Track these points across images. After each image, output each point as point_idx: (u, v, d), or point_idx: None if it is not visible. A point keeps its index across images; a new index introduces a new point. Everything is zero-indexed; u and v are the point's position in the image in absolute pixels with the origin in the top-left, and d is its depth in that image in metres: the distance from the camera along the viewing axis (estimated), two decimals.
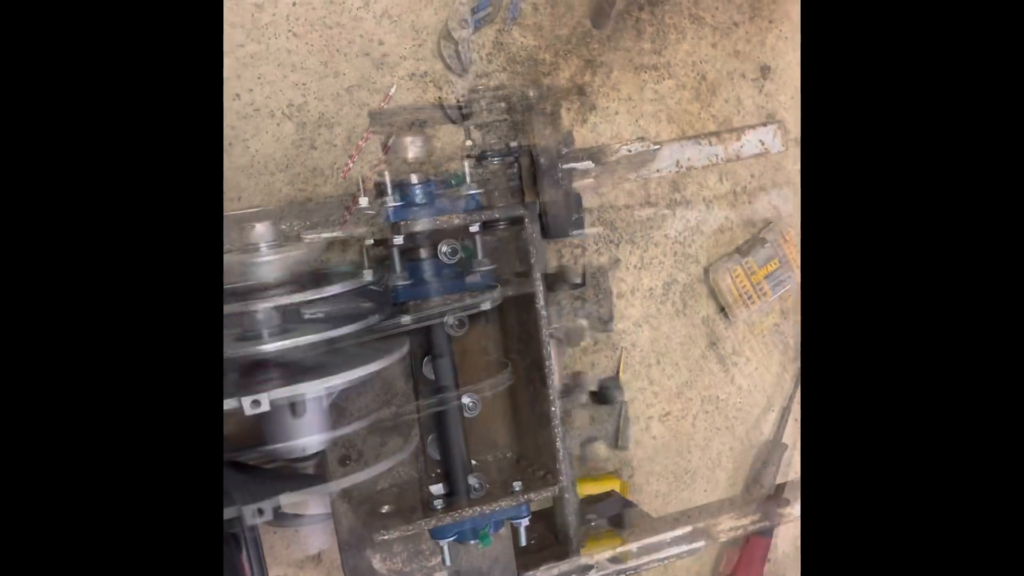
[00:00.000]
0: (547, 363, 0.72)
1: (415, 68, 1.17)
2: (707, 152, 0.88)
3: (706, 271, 1.36)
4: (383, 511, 0.74)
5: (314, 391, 0.56)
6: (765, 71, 1.36)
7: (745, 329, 1.40)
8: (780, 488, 1.16)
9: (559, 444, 0.73)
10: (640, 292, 1.33)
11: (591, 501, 0.99)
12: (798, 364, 1.43)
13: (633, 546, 0.86)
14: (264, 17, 1.09)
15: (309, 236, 0.72)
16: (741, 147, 0.90)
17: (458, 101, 0.84)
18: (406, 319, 0.68)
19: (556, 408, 0.73)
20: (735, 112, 1.36)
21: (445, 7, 1.16)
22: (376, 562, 0.76)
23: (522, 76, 1.22)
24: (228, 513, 0.56)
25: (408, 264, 0.70)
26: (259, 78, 1.10)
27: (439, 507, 0.72)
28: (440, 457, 0.78)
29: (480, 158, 0.84)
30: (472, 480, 0.74)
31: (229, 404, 0.55)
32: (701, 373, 1.39)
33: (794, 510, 0.98)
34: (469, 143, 0.86)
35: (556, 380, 0.73)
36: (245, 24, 1.08)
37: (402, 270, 0.69)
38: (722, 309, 1.37)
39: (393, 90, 1.16)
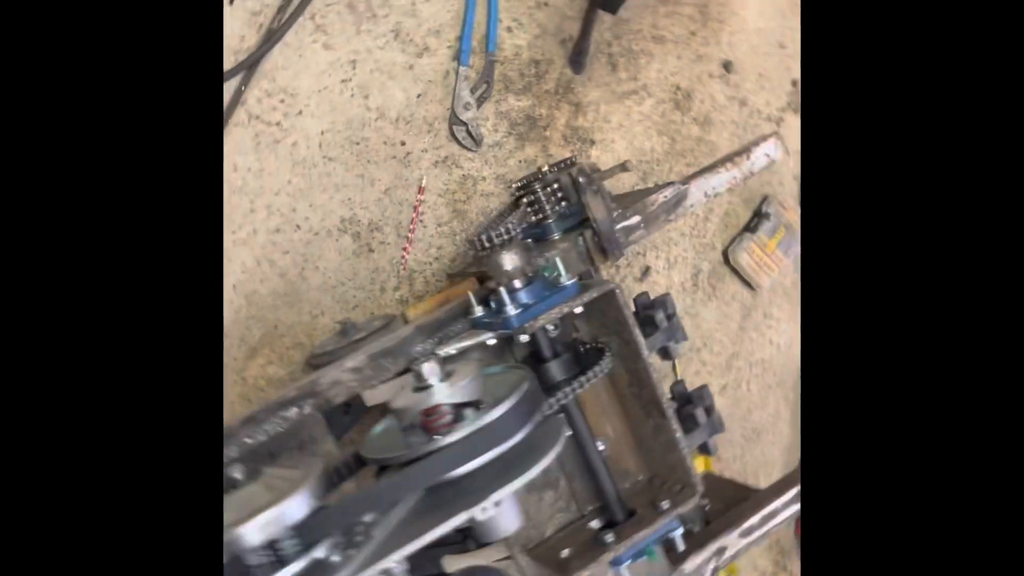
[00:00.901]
0: (663, 400, 0.87)
1: (436, 156, 1.30)
2: (727, 177, 1.03)
3: (724, 254, 1.51)
4: (564, 556, 0.88)
5: (519, 485, 0.71)
6: (728, 66, 1.51)
7: (770, 294, 1.56)
8: None
9: (689, 463, 0.88)
10: (674, 289, 1.48)
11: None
12: None
13: (756, 517, 1.02)
14: (300, 152, 1.22)
15: (443, 351, 0.86)
16: (752, 164, 1.05)
17: (517, 193, 0.98)
18: (524, 338, 0.84)
19: (680, 434, 0.88)
20: (712, 108, 1.50)
21: (447, 97, 1.30)
22: None
23: (526, 137, 1.36)
24: (461, 519, 0.70)
25: (512, 296, 0.84)
26: (311, 206, 1.23)
27: (610, 540, 0.87)
28: (596, 495, 0.93)
29: (539, 239, 0.99)
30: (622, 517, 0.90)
31: (462, 518, 0.69)
32: (743, 343, 1.55)
33: None
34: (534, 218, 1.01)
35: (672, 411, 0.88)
36: (285, 163, 1.21)
37: (511, 303, 0.83)
38: (747, 283, 1.53)
39: (424, 181, 1.29)
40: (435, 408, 0.74)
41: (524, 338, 0.83)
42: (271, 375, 1.21)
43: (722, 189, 1.04)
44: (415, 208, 1.29)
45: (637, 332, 0.86)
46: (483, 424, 0.72)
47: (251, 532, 0.65)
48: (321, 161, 1.24)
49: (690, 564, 0.98)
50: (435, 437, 0.74)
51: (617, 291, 0.85)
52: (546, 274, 0.88)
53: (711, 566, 1.02)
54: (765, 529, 1.06)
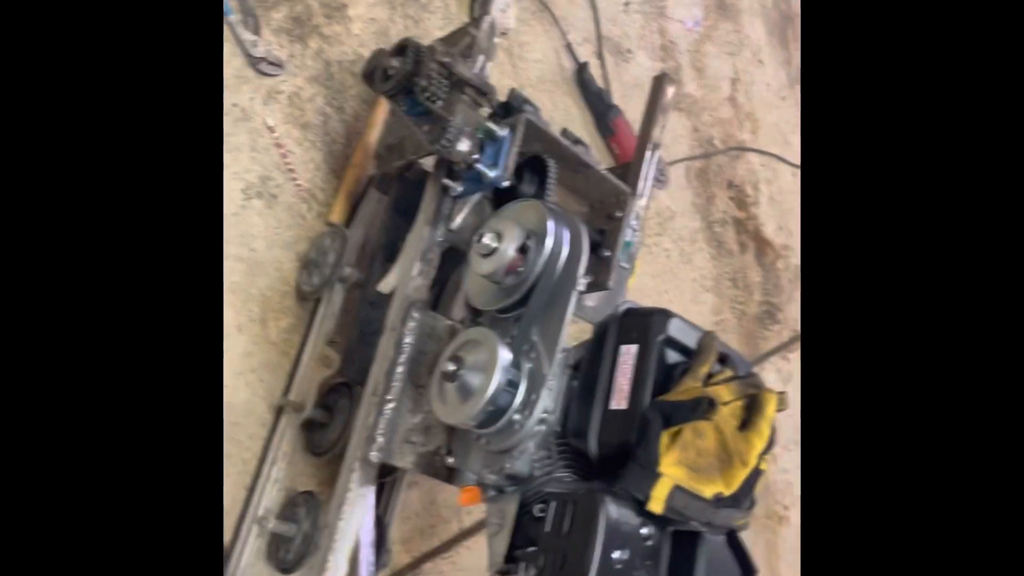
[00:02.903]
0: (585, 158, 1.29)
1: (262, 96, 1.50)
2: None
3: None
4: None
5: (588, 254, 1.12)
6: None
7: None
8: None
9: (617, 182, 1.33)
10: None
11: None
12: None
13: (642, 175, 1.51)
14: None
15: (455, 226, 1.21)
16: None
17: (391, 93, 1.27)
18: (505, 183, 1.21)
19: (602, 169, 1.31)
20: None
21: (235, 47, 1.46)
22: None
23: (304, 35, 1.57)
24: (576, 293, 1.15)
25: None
26: None
27: (607, 254, 1.32)
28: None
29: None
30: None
31: (578, 289, 1.11)
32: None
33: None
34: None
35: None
36: None
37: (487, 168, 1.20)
38: None
39: (269, 120, 1.50)
40: (510, 259, 1.12)
41: (505, 183, 1.19)
42: (286, 326, 1.48)
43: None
44: (277, 145, 1.51)
45: (554, 134, 1.25)
46: (550, 243, 1.11)
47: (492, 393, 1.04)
48: None
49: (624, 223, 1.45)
50: (521, 270, 1.12)
51: (531, 117, 1.22)
52: (480, 135, 1.22)
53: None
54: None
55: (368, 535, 1.30)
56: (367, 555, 1.30)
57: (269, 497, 1.39)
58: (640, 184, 1.51)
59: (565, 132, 1.42)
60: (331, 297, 1.48)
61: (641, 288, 2.05)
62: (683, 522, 0.96)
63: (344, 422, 1.40)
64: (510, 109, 1.33)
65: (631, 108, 2.10)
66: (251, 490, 1.40)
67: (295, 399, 1.43)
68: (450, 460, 1.18)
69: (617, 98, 2.07)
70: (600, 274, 1.33)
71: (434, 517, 1.65)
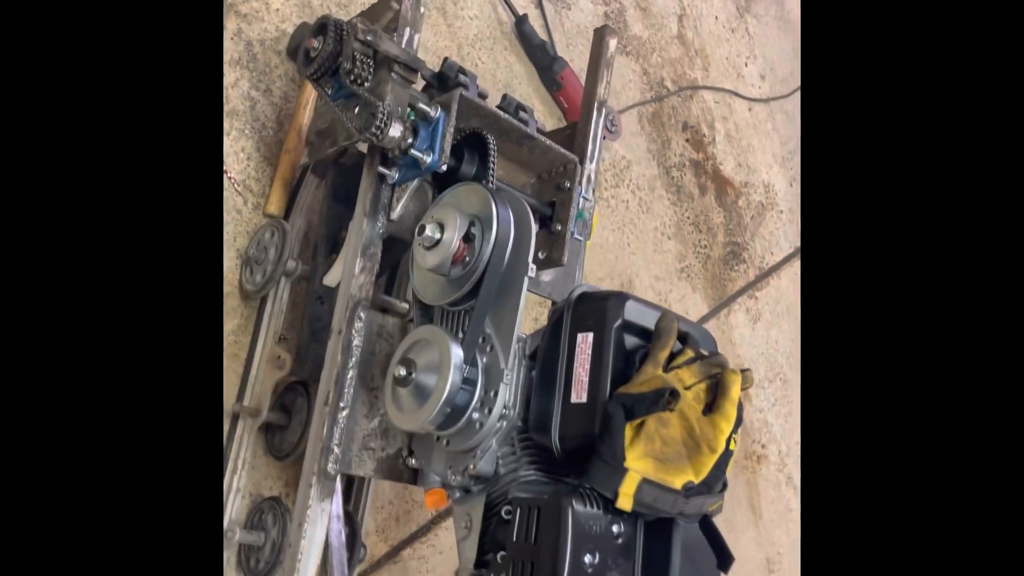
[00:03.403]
0: (527, 129, 1.22)
1: None
2: None
3: None
4: (542, 257, 1.28)
5: (535, 237, 1.06)
6: None
7: None
8: None
9: (561, 150, 1.26)
10: None
11: None
12: None
13: (588, 143, 1.45)
14: None
15: (395, 216, 1.14)
16: None
17: (314, 77, 1.18)
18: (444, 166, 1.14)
19: (546, 140, 1.24)
20: None
21: None
22: None
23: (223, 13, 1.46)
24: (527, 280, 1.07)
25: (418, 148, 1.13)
26: None
27: (558, 228, 1.26)
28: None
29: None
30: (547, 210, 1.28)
31: (529, 276, 1.05)
32: None
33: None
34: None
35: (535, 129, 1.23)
36: None
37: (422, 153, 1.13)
38: None
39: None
40: (455, 249, 1.06)
41: (444, 167, 1.13)
42: (233, 329, 1.42)
43: None
44: None
45: (491, 108, 1.18)
46: (495, 230, 1.05)
47: (447, 395, 0.99)
48: None
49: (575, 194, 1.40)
50: (466, 259, 1.07)
51: (466, 92, 1.14)
52: (412, 117, 1.14)
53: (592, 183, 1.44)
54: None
55: (338, 538, 1.26)
56: (339, 557, 1.26)
57: (234, 507, 1.35)
58: (588, 147, 1.44)
59: (505, 99, 1.35)
60: (277, 294, 1.42)
61: (602, 243, 2.00)
62: (654, 514, 0.92)
63: (303, 422, 1.36)
64: (444, 80, 1.26)
65: (577, 57, 2.02)
66: None
67: (250, 404, 1.38)
68: (412, 462, 1.13)
69: (561, 48, 1.98)
70: (553, 250, 1.27)
71: (408, 502, 1.62)
